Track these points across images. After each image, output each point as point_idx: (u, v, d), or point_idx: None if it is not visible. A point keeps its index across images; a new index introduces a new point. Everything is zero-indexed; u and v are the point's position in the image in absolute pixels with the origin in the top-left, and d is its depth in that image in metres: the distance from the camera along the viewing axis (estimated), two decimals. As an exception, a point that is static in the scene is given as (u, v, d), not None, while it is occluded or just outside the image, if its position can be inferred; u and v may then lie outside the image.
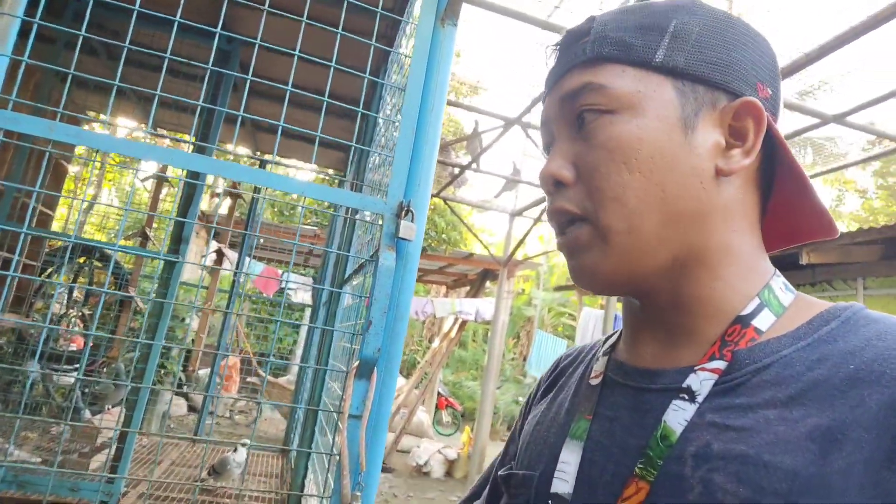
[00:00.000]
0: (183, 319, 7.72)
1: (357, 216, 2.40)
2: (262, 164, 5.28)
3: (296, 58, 1.52)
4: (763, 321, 0.54)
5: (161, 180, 4.62)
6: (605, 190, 0.56)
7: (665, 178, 0.55)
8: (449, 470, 8.42)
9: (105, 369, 4.73)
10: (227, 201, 5.66)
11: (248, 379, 8.56)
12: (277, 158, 5.09)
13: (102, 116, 3.91)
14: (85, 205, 6.70)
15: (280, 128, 1.50)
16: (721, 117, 0.56)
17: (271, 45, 1.54)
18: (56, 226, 6.69)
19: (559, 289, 13.14)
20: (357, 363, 1.45)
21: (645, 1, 0.62)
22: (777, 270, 0.59)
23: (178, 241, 3.14)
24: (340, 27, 1.56)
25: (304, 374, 4.40)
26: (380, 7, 1.64)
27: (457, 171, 7.13)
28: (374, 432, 1.45)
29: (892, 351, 0.46)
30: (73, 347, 5.91)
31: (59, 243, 5.29)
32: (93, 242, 4.32)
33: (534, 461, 0.64)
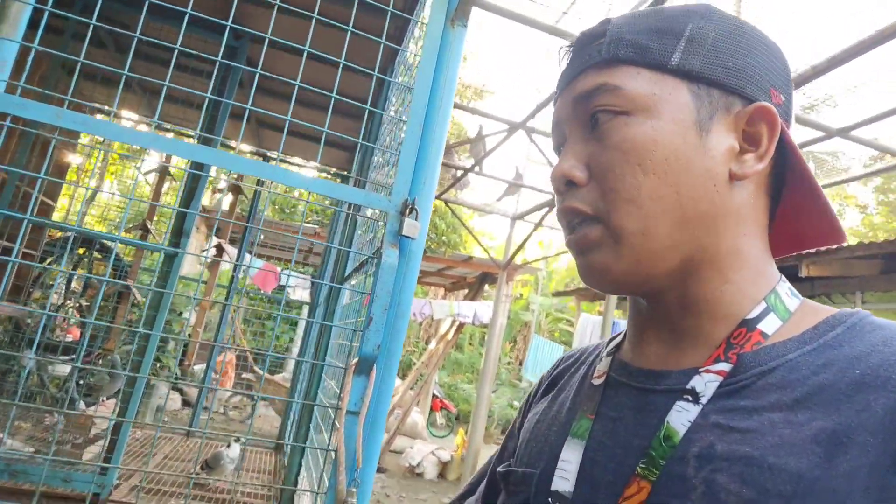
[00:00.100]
0: (180, 314, 7.71)
1: (359, 214, 2.40)
2: (266, 160, 5.28)
3: (304, 55, 1.52)
4: (769, 325, 0.54)
5: (163, 174, 4.62)
6: (619, 191, 0.56)
7: (679, 181, 0.55)
8: (442, 471, 8.40)
9: (101, 361, 4.72)
10: (229, 197, 5.66)
11: (244, 375, 8.55)
12: (282, 156, 5.10)
13: (108, 108, 3.92)
14: (87, 194, 6.69)
15: (286, 124, 1.50)
16: (735, 122, 0.57)
17: (280, 40, 1.54)
18: (57, 216, 6.68)
19: (557, 294, 13.15)
20: (356, 359, 1.45)
21: (660, 5, 0.62)
22: (783, 276, 0.59)
23: (179, 234, 3.14)
24: (351, 24, 1.56)
25: (301, 370, 4.40)
26: (391, 6, 1.64)
27: (459, 173, 7.13)
28: (372, 429, 1.45)
29: None
30: (70, 338, 5.90)
31: (59, 234, 5.29)
32: (94, 233, 4.31)
33: (534, 459, 0.64)
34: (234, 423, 8.06)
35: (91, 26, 1.41)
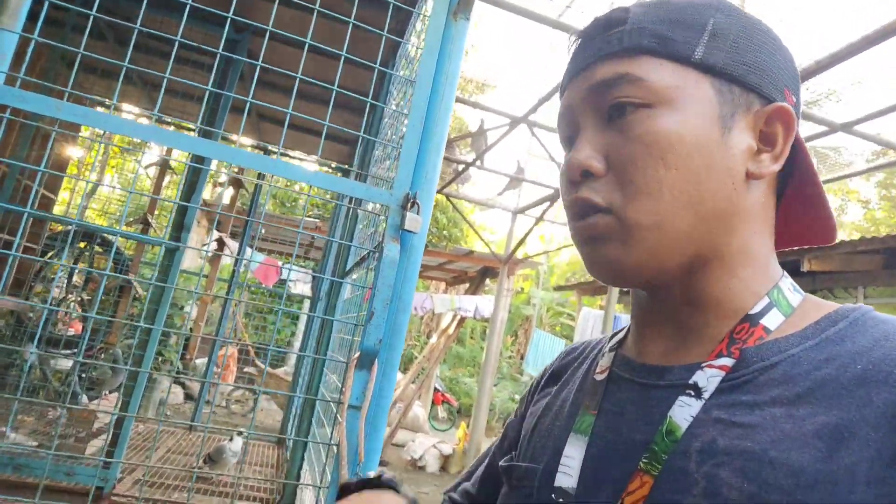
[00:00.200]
0: (182, 308, 7.71)
1: (361, 208, 2.39)
2: (267, 153, 5.27)
3: (305, 47, 1.51)
4: (772, 320, 0.54)
5: (164, 168, 4.61)
6: (638, 184, 0.54)
7: (700, 177, 0.54)
8: (444, 465, 8.43)
9: (103, 355, 4.73)
10: (230, 191, 5.65)
11: (246, 369, 8.56)
12: (283, 149, 5.09)
13: (108, 101, 3.91)
14: (88, 188, 6.69)
15: (287, 118, 1.50)
16: (755, 121, 0.57)
17: (282, 32, 1.54)
18: (58, 209, 6.68)
19: (559, 289, 13.15)
20: (358, 354, 1.45)
21: None
22: (785, 272, 0.60)
23: (180, 228, 3.14)
24: (352, 17, 1.56)
25: (303, 365, 4.40)
26: (392, -2, 1.63)
27: (461, 167, 7.12)
28: (374, 424, 1.45)
29: None
30: (72, 332, 5.91)
31: (60, 227, 5.29)
32: (95, 227, 4.31)
33: (537, 454, 0.64)
34: (236, 416, 8.08)
35: (91, 18, 1.40)
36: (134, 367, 2.85)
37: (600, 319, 8.27)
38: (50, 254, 5.03)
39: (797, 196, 0.62)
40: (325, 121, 1.52)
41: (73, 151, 5.56)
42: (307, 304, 8.31)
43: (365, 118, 1.73)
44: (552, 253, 16.31)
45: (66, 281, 5.41)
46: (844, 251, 5.78)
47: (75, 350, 4.73)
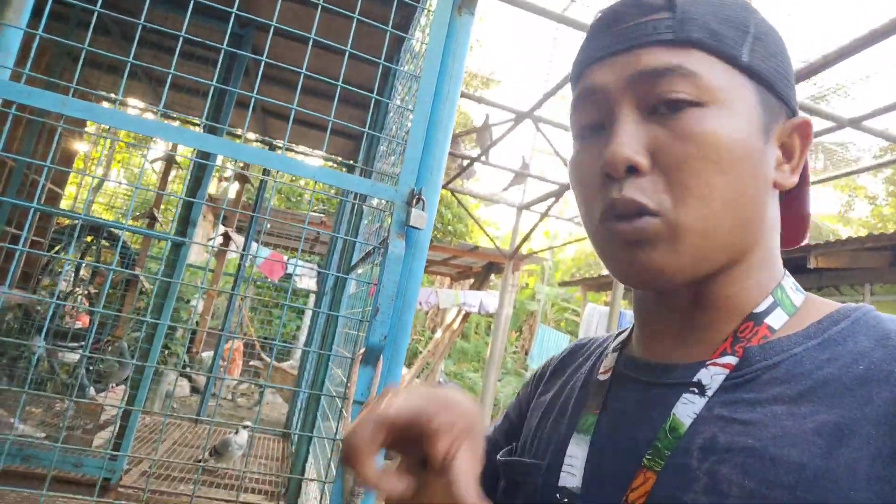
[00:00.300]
0: (188, 301, 7.75)
1: (366, 203, 2.40)
2: (272, 149, 5.28)
3: (310, 43, 1.51)
4: (776, 319, 0.54)
5: (170, 162, 4.63)
6: (691, 188, 0.51)
7: (746, 185, 0.53)
8: (447, 460, 8.43)
9: (110, 348, 4.75)
10: (235, 186, 5.66)
11: (251, 363, 8.59)
12: (288, 144, 5.09)
13: (113, 96, 3.92)
14: (94, 182, 6.71)
15: (292, 113, 1.50)
16: (780, 132, 0.56)
17: (286, 28, 1.54)
18: (64, 204, 6.71)
19: (563, 284, 13.14)
20: (363, 350, 1.45)
21: None
22: (786, 270, 0.59)
23: (186, 223, 3.15)
24: (357, 12, 1.55)
25: (308, 359, 4.42)
26: (397, -7, 1.63)
27: (465, 162, 7.12)
28: (378, 419, 1.45)
29: None
30: (79, 325, 5.94)
31: (67, 221, 5.31)
32: (101, 221, 4.33)
33: (540, 451, 0.64)
34: (241, 409, 8.11)
35: (95, 14, 1.41)
36: (141, 362, 2.86)
37: (605, 315, 8.27)
38: (57, 248, 5.06)
39: (789, 202, 0.63)
40: (331, 116, 1.53)
41: (79, 146, 5.58)
42: (313, 298, 8.32)
43: (370, 114, 1.73)
44: (557, 248, 16.28)
45: (73, 274, 5.43)
46: (851, 248, 5.73)
47: (83, 343, 4.76)
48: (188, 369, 7.31)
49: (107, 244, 5.33)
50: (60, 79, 4.17)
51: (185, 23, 1.51)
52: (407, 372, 9.48)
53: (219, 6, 1.52)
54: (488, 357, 8.14)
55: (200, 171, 3.26)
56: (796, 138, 0.57)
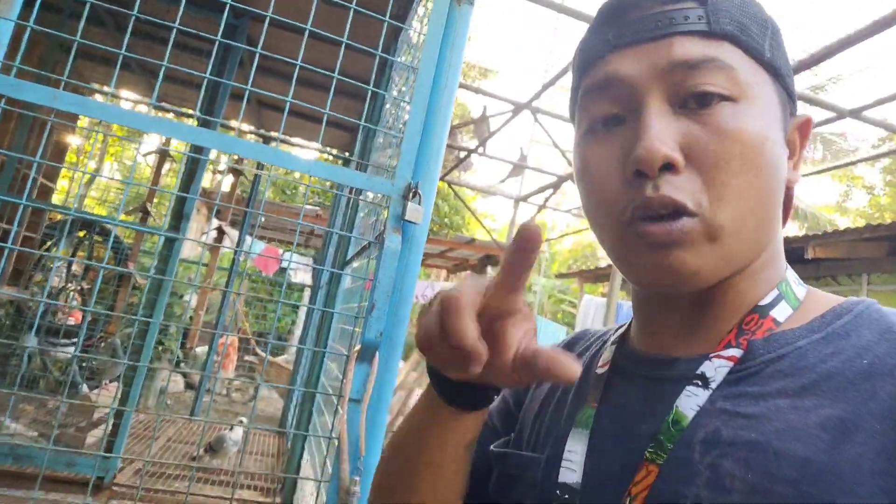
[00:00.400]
0: (182, 296, 7.71)
1: (361, 197, 2.36)
2: (267, 141, 5.23)
3: (306, 34, 1.47)
4: (781, 312, 0.54)
5: (163, 156, 4.58)
6: (730, 186, 0.49)
7: (772, 183, 0.52)
8: (444, 453, 8.46)
9: (103, 345, 4.72)
10: (230, 179, 5.61)
11: (246, 357, 8.56)
12: (283, 136, 5.05)
13: (106, 88, 3.86)
14: (86, 178, 6.65)
15: (287, 105, 1.47)
16: (790, 129, 0.57)
17: (281, 19, 1.50)
18: (57, 198, 6.65)
19: (561, 276, 13.15)
20: (359, 347, 1.43)
21: None
22: (787, 264, 0.59)
23: (179, 217, 3.11)
24: (353, 2, 1.52)
25: (303, 354, 4.39)
26: (393, -18, 1.59)
27: (463, 154, 7.08)
28: (375, 417, 1.43)
29: None
30: (72, 321, 5.90)
31: (60, 216, 5.26)
32: (93, 217, 4.28)
33: (539, 445, 0.62)
34: (236, 404, 8.09)
35: (88, 4, 1.37)
36: (134, 359, 2.83)
37: (602, 307, 8.26)
38: (49, 243, 5.01)
39: None
40: (326, 108, 1.49)
41: (72, 139, 5.52)
42: (308, 292, 8.29)
43: (366, 105, 1.69)
44: (554, 240, 16.28)
45: (65, 270, 5.39)
46: (849, 238, 5.76)
47: (75, 340, 4.72)
48: (182, 365, 7.28)
49: (99, 239, 5.28)
50: (54, 70, 4.11)
51: (179, 13, 1.47)
52: (404, 365, 9.48)
53: (211, -4, 1.48)
54: (485, 350, 8.11)
55: (194, 165, 3.21)
56: (797, 135, 0.57)
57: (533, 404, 0.69)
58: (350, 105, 4.30)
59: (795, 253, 5.76)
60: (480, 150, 6.68)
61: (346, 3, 1.51)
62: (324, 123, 1.65)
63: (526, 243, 0.41)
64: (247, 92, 1.50)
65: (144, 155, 5.02)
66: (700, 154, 0.50)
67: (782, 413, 0.46)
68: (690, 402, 0.50)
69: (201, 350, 7.61)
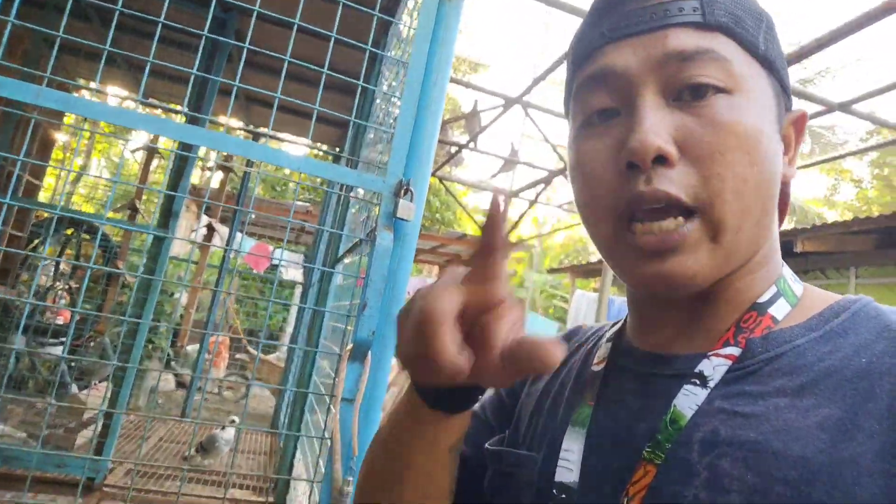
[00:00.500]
0: (172, 294, 7.65)
1: (352, 194, 2.34)
2: (256, 137, 5.19)
3: (294, 28, 1.45)
4: (779, 310, 0.53)
5: (151, 152, 4.53)
6: (727, 179, 0.48)
7: (768, 177, 0.52)
8: (438, 449, 8.47)
9: (92, 344, 4.67)
10: (219, 175, 5.57)
11: (237, 356, 8.52)
12: (272, 132, 5.01)
13: (92, 84, 3.81)
14: (72, 176, 6.58)
15: (276, 101, 1.45)
16: (785, 124, 0.56)
17: (269, 13, 1.48)
18: (44, 196, 6.57)
19: (552, 271, 13.18)
20: (351, 346, 1.41)
21: None
22: (783, 261, 0.59)
23: (168, 214, 3.08)
24: (341, -5, 1.50)
25: (295, 352, 4.37)
26: (383, -24, 1.57)
27: (454, 149, 7.06)
28: (367, 417, 1.42)
29: None
30: (60, 321, 5.84)
31: (47, 214, 5.20)
32: (79, 215, 4.22)
33: (535, 444, 0.62)
34: (228, 402, 8.06)
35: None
36: (123, 358, 2.80)
37: (594, 302, 8.29)
38: (36, 241, 4.95)
39: None
40: (316, 103, 1.47)
41: (59, 135, 5.46)
42: (299, 289, 8.26)
43: (356, 101, 1.68)
44: (545, 235, 16.30)
45: (53, 269, 5.33)
46: (838, 232, 5.80)
47: (63, 339, 4.67)
48: (173, 364, 7.23)
49: (87, 237, 5.22)
50: (38, 66, 4.05)
51: (165, 7, 1.45)
52: (396, 362, 9.46)
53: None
54: (478, 345, 8.12)
55: (183, 162, 3.18)
56: (792, 130, 0.56)
57: (529, 400, 0.68)
58: (340, 100, 4.27)
59: (784, 247, 5.78)
60: (471, 145, 6.66)
61: (334, -2, 1.49)
62: (313, 119, 1.63)
63: (494, 217, 0.39)
64: (234, 88, 1.47)
65: (132, 151, 4.97)
66: (694, 146, 0.49)
67: (781, 412, 0.45)
68: (688, 400, 0.50)
69: (192, 348, 7.57)
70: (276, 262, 7.24)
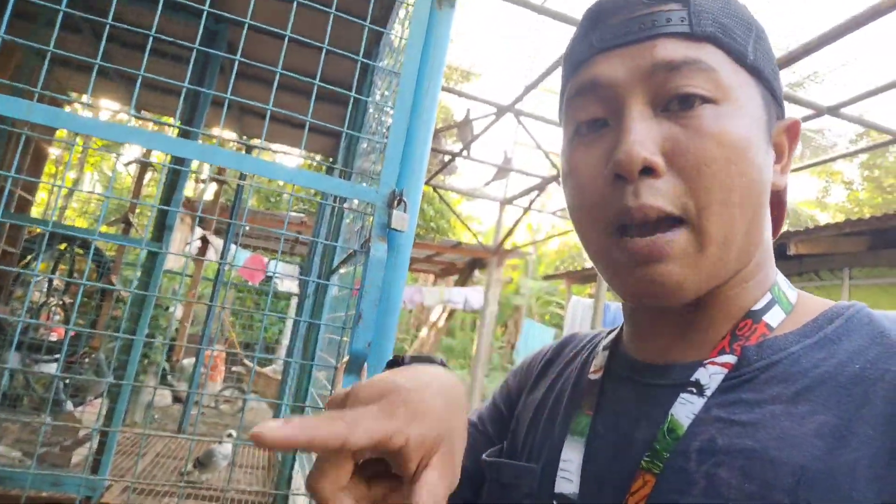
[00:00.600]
0: (167, 308, 7.61)
1: (346, 205, 2.34)
2: (249, 149, 5.18)
3: (286, 39, 1.45)
4: (774, 317, 0.53)
5: (144, 165, 4.52)
6: (713, 190, 0.48)
7: (756, 187, 0.51)
8: (436, 458, 8.42)
9: (87, 360, 4.63)
10: (213, 187, 5.56)
11: (234, 368, 8.47)
12: (265, 143, 5.00)
13: (84, 98, 3.80)
14: (64, 191, 6.55)
15: (268, 112, 1.44)
16: (775, 132, 0.56)
17: (261, 25, 1.48)
18: (36, 211, 6.54)
19: (548, 278, 13.18)
20: (347, 358, 1.40)
21: None
22: (777, 269, 0.59)
23: (162, 228, 3.06)
24: (334, 7, 1.50)
25: (291, 364, 4.34)
26: (374, -14, 1.57)
27: (447, 158, 7.07)
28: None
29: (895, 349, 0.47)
30: (55, 337, 5.79)
31: (40, 229, 5.17)
32: (71, 231, 4.20)
33: (534, 454, 0.61)
34: (225, 416, 8.01)
35: (61, 13, 1.34)
36: (119, 374, 2.77)
37: (590, 308, 8.28)
38: (29, 257, 4.91)
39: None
40: (308, 114, 1.47)
41: (52, 150, 5.44)
42: (295, 300, 8.23)
43: (349, 111, 1.67)
44: (540, 242, 16.33)
45: (46, 284, 5.29)
46: (830, 234, 5.83)
47: (58, 356, 4.64)
48: (169, 378, 7.18)
49: (80, 252, 5.19)
50: (30, 80, 4.03)
51: (156, 19, 1.44)
52: (393, 371, 9.42)
53: (191, 3, 1.45)
54: (475, 354, 8.13)
55: (176, 174, 3.17)
56: (785, 138, 0.56)
57: (526, 410, 0.68)
58: (333, 110, 4.27)
59: (778, 250, 5.81)
60: (465, 153, 6.68)
61: (326, 8, 1.49)
62: (306, 130, 1.62)
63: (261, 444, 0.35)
64: (226, 100, 1.47)
65: (125, 164, 4.96)
66: (681, 157, 0.49)
67: (777, 420, 0.45)
68: (685, 409, 0.50)
69: (188, 362, 7.52)
70: (270, 273, 7.22)
